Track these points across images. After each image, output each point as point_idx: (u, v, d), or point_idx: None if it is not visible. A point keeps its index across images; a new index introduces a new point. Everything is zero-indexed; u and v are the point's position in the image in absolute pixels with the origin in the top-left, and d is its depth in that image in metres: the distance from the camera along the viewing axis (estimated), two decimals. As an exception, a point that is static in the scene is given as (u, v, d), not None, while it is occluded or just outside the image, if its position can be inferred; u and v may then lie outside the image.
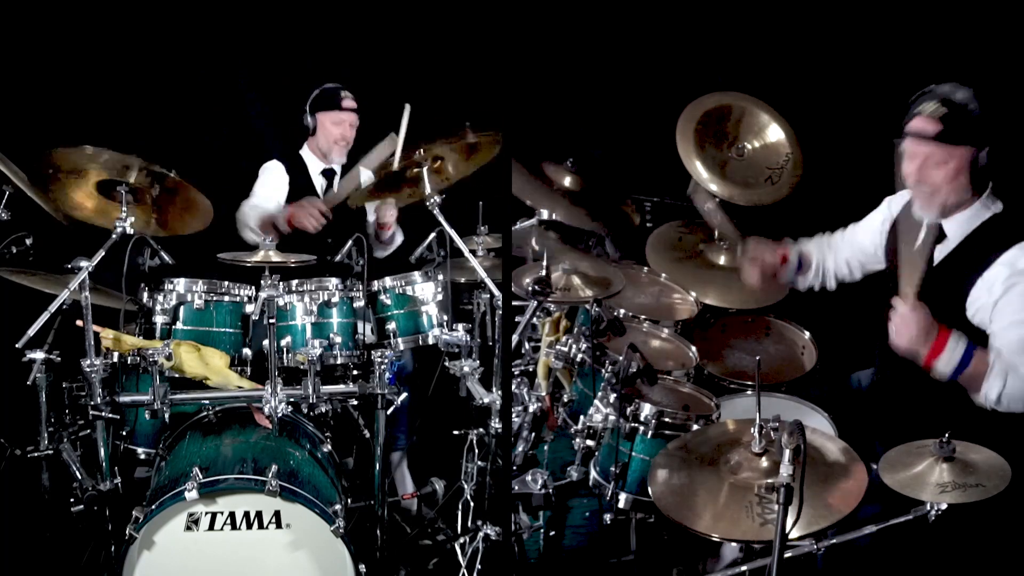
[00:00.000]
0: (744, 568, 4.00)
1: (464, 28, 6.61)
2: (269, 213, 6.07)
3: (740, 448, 3.91)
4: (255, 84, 6.90)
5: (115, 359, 4.75)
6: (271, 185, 6.31)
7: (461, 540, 5.15)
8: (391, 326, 5.42)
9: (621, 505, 4.56)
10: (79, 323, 4.56)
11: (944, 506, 3.77)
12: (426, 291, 5.45)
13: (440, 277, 5.46)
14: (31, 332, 4.38)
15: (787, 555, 3.77)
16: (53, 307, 4.46)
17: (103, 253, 4.59)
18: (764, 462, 3.79)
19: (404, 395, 4.90)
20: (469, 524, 5.18)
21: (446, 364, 5.15)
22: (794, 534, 3.47)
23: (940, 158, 4.17)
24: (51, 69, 6.43)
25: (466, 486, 5.23)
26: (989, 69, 5.24)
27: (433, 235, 5.38)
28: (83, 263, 4.55)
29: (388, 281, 5.44)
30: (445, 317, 5.44)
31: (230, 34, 6.76)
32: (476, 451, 5.21)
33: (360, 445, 5.62)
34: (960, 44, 5.70)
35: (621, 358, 4.47)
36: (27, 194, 5.15)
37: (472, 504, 5.21)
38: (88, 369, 4.48)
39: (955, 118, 4.12)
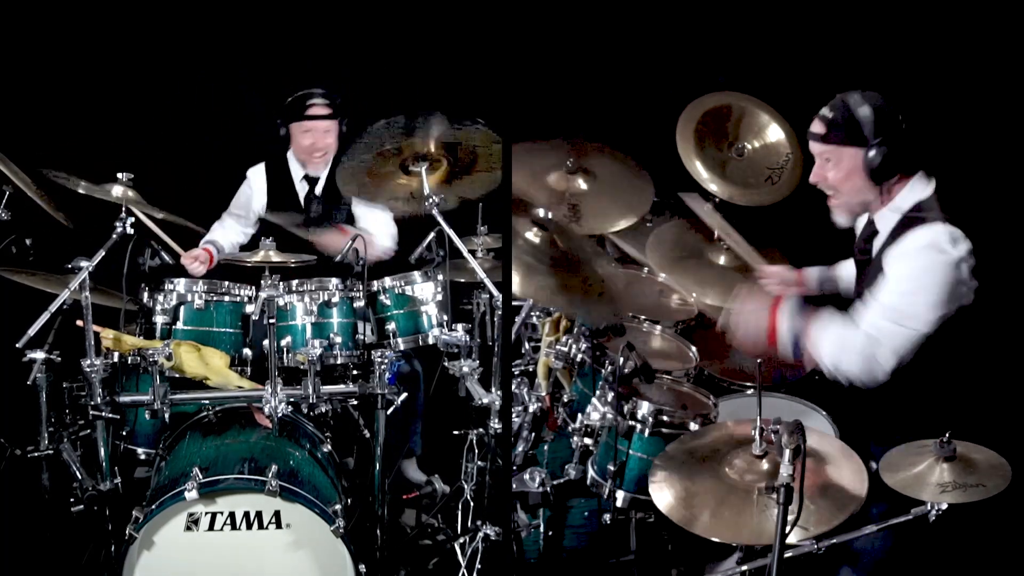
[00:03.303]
0: (744, 568, 4.01)
1: (463, 28, 6.61)
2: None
3: (741, 451, 3.93)
4: (255, 84, 6.89)
5: (115, 359, 4.75)
6: (244, 195, 6.35)
7: (461, 540, 5.12)
8: (391, 326, 5.42)
9: (619, 504, 4.55)
10: (79, 323, 4.56)
11: (944, 506, 3.78)
12: (425, 291, 5.46)
13: (440, 277, 5.46)
14: (31, 332, 4.37)
15: (787, 555, 3.77)
16: (53, 307, 4.46)
17: (103, 253, 4.59)
18: (765, 464, 3.81)
19: (404, 395, 4.92)
20: (469, 524, 5.16)
21: (446, 364, 5.10)
22: (797, 536, 3.55)
23: (831, 158, 4.31)
24: (52, 70, 6.45)
25: (466, 486, 5.23)
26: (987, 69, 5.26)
27: (432, 235, 5.39)
28: (83, 263, 4.54)
29: (387, 281, 5.45)
30: (445, 317, 5.43)
31: (230, 34, 6.74)
32: (476, 451, 5.20)
33: (360, 445, 5.59)
34: (960, 45, 5.71)
35: (618, 356, 4.46)
36: (27, 194, 5.13)
37: (472, 504, 5.20)
38: (88, 369, 4.48)
39: (838, 120, 4.26)
